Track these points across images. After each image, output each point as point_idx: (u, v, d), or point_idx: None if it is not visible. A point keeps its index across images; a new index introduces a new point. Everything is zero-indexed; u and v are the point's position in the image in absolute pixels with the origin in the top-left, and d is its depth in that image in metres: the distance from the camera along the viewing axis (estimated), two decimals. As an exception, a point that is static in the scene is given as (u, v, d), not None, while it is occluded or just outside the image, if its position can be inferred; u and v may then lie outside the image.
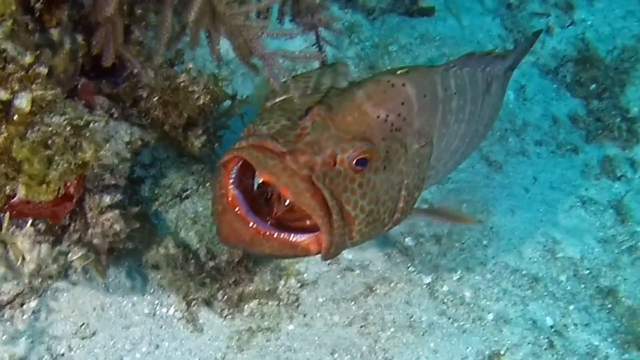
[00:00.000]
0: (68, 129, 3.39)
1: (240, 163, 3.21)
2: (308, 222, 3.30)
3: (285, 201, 3.34)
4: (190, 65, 4.30)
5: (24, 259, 3.82)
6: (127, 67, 4.09)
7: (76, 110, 3.54)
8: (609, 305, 5.01)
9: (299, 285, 4.54)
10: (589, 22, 6.91)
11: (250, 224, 3.10)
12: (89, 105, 4.10)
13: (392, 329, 4.47)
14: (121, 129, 4.29)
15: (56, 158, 3.39)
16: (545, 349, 4.61)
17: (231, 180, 3.20)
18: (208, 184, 4.45)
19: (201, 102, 4.23)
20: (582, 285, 5.08)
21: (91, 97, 4.14)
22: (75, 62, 3.91)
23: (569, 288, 5.04)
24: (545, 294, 4.92)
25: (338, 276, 4.64)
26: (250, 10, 3.19)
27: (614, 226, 5.55)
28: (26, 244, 3.82)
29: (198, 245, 4.31)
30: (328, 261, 4.58)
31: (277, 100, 3.59)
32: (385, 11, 6.10)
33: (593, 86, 6.40)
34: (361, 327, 4.45)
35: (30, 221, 3.81)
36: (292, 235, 3.12)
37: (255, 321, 4.35)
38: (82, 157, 3.45)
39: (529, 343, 4.62)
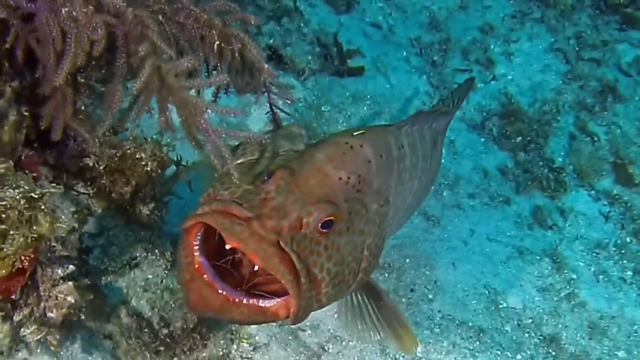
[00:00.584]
0: (22, 202, 3.43)
1: (202, 228, 3.27)
2: (275, 286, 3.45)
3: (253, 265, 3.49)
4: (135, 132, 4.43)
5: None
6: (70, 137, 4.20)
7: (29, 182, 3.62)
8: (553, 353, 5.28)
9: (251, 348, 4.63)
10: (509, 77, 7.34)
11: (220, 291, 3.16)
12: (34, 177, 4.18)
13: (346, 382, 4.64)
14: (66, 199, 4.38)
15: (11, 232, 3.44)
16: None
17: (196, 247, 3.27)
18: (156, 250, 4.54)
19: (148, 168, 4.34)
20: (526, 335, 5.35)
21: (35, 168, 4.21)
22: (20, 133, 4.01)
23: (514, 338, 5.28)
24: (492, 345, 5.16)
25: (290, 337, 4.76)
26: (199, 85, 3.35)
27: (551, 275, 5.86)
28: (-24, 321, 3.82)
29: (150, 314, 4.37)
30: (280, 323, 4.73)
31: (234, 163, 3.75)
32: (316, 72, 6.37)
33: (519, 139, 6.78)
34: (317, 391, 4.61)
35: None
36: (261, 301, 3.18)
37: (210, 391, 4.44)
38: (39, 230, 3.46)
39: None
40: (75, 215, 4.28)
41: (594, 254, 6.17)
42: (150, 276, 4.50)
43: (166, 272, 4.52)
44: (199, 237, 3.29)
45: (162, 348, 4.30)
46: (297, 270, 3.14)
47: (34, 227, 3.49)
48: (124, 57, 3.51)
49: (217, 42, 3.73)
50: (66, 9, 3.38)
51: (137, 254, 4.49)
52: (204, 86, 3.40)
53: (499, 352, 5.13)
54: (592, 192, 6.70)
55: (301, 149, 3.71)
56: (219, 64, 3.78)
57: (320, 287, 3.30)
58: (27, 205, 3.46)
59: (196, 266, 3.23)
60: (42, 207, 3.55)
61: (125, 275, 4.46)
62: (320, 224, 3.24)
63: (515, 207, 6.36)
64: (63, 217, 3.89)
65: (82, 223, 4.30)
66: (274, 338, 4.72)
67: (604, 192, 6.71)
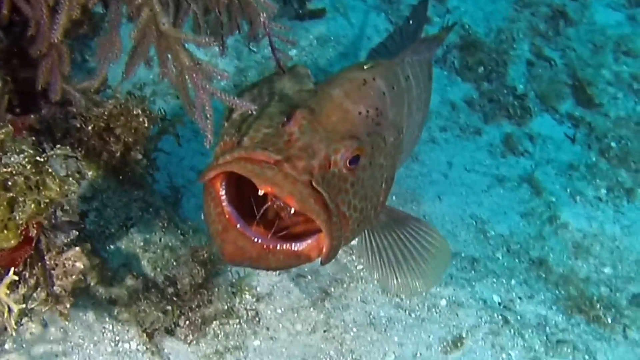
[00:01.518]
0: (29, 167, 3.37)
1: (226, 178, 3.26)
2: (299, 227, 3.47)
3: (274, 208, 3.49)
4: (119, 89, 4.35)
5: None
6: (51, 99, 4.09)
7: (31, 146, 3.54)
8: (544, 275, 5.48)
9: (254, 300, 4.64)
10: (462, 9, 7.46)
11: (255, 240, 3.16)
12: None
13: (355, 329, 4.68)
14: (55, 163, 4.28)
15: (20, 199, 3.37)
16: (502, 325, 4.96)
17: (224, 197, 3.25)
18: (151, 209, 4.50)
19: (138, 125, 4.28)
20: (516, 260, 5.52)
21: (20, 133, 4.11)
22: (2, 98, 3.90)
23: (505, 264, 5.44)
24: (487, 273, 5.30)
25: (292, 284, 4.80)
26: (196, 41, 3.29)
27: (532, 199, 6.05)
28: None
29: (153, 274, 4.34)
30: (280, 271, 4.77)
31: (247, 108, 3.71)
32: (275, 17, 6.30)
33: (480, 69, 6.90)
34: (325, 332, 4.63)
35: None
36: (294, 244, 3.20)
37: (220, 343, 4.41)
38: (48, 194, 3.42)
39: (485, 322, 4.95)
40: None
41: (568, 176, 6.36)
42: (148, 235, 4.47)
43: (163, 230, 4.50)
44: (223, 188, 3.27)
45: (169, 307, 4.28)
46: (330, 209, 3.16)
47: (44, 192, 3.43)
48: (117, 6, 3.45)
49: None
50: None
51: (133, 214, 4.45)
52: (203, 45, 3.33)
53: (494, 280, 5.28)
54: (556, 115, 6.89)
55: (312, 88, 3.71)
56: (217, 9, 3.73)
57: (347, 224, 3.33)
58: (33, 170, 3.41)
59: (227, 217, 3.21)
60: (50, 170, 3.50)
61: (123, 237, 4.42)
62: (348, 161, 3.26)
63: (486, 137, 6.49)
64: (71, 179, 3.79)
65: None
66: (275, 287, 4.75)
67: (567, 114, 6.90)
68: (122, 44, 3.44)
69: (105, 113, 4.22)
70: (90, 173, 4.35)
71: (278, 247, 3.19)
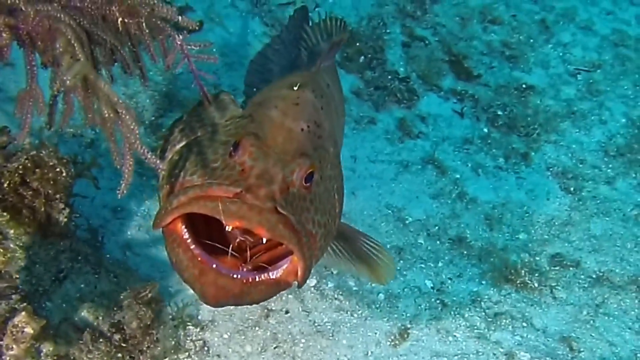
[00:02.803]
0: None
1: (182, 220, 3.25)
2: (265, 255, 3.51)
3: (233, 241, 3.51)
4: (28, 140, 4.27)
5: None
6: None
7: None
8: (465, 252, 5.75)
9: (199, 329, 4.67)
10: (331, 1, 7.64)
11: (235, 276, 3.18)
12: None
13: (304, 340, 4.77)
14: (-27, 229, 4.18)
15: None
16: (441, 309, 5.20)
17: (189, 240, 3.24)
18: (79, 257, 4.45)
19: (56, 176, 4.22)
20: (438, 242, 5.76)
21: None
22: None
23: (429, 248, 5.69)
24: (414, 260, 5.51)
25: (231, 308, 4.86)
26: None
27: (438, 179, 6.31)
28: None
29: (96, 323, 4.31)
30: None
31: (178, 147, 3.72)
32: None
33: (361, 58, 7.12)
34: (275, 348, 4.70)
35: None
36: (271, 273, 3.25)
37: (175, 380, 4.47)
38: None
39: (425, 309, 5.17)
40: (-7, 243, 4.11)
41: (465, 151, 6.68)
42: (82, 285, 4.42)
43: (96, 276, 4.46)
44: (184, 230, 3.27)
45: (120, 355, 4.26)
46: (298, 231, 3.23)
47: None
48: (32, 57, 3.41)
49: (120, 19, 3.62)
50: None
51: (63, 266, 4.39)
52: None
53: (422, 265, 5.51)
54: (441, 93, 7.18)
55: (242, 113, 3.74)
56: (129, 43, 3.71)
57: (316, 241, 3.41)
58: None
59: (199, 259, 3.21)
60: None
61: (57, 291, 4.35)
62: (304, 179, 3.33)
63: (381, 125, 6.69)
64: (12, 245, 3.72)
65: (0, 248, 4.15)
66: (216, 312, 4.79)
67: (450, 90, 7.21)
68: (43, 96, 3.40)
69: (20, 167, 4.15)
70: (11, 232, 4.26)
71: (257, 279, 3.23)
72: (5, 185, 4.14)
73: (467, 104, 7.12)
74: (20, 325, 3.78)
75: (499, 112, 7.06)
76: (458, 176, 6.38)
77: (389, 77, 7.01)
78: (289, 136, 3.44)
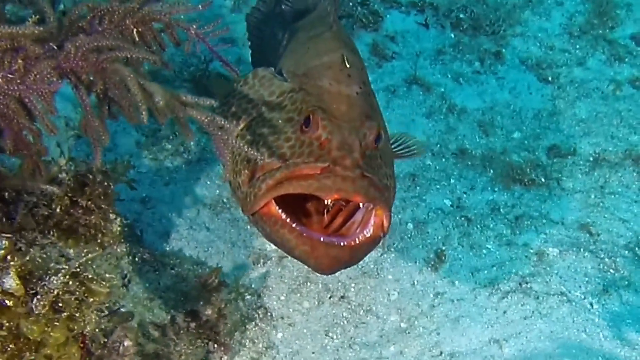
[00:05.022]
0: (71, 282, 3.69)
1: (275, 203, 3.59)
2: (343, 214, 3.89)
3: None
4: (64, 161, 4.61)
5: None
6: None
7: (61, 258, 3.87)
8: (470, 163, 6.33)
9: (256, 297, 5.20)
10: None
11: (342, 244, 3.58)
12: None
13: (353, 284, 5.31)
14: (36, 257, 4.56)
15: (76, 315, 3.72)
16: (467, 225, 5.83)
17: (289, 220, 3.58)
18: (136, 259, 4.88)
19: (105, 189, 4.59)
20: (443, 159, 6.32)
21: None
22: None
23: (437, 167, 6.25)
24: (428, 183, 6.10)
25: (279, 269, 5.37)
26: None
27: (426, 97, 6.76)
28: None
29: (169, 316, 4.78)
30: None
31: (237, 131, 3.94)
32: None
33: (317, -10, 7.49)
34: (330, 298, 5.26)
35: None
36: (366, 231, 3.64)
37: (250, 350, 4.92)
38: (99, 299, 3.80)
39: (454, 228, 5.81)
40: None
41: (441, 62, 7.19)
42: (147, 284, 4.87)
43: (157, 272, 4.91)
44: (280, 211, 3.61)
45: (199, 340, 4.75)
46: (382, 189, 3.64)
47: (95, 298, 3.78)
48: (82, 91, 3.73)
49: (135, 29, 3.94)
50: (1, 75, 3.50)
51: (125, 271, 4.81)
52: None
53: (437, 186, 6.08)
54: (402, 8, 7.60)
55: (290, 87, 4.00)
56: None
57: (390, 192, 3.84)
58: (77, 284, 3.72)
59: (306, 235, 3.56)
60: (89, 276, 3.82)
61: (126, 296, 4.79)
62: (374, 141, 3.69)
63: (356, 54, 7.14)
64: (107, 274, 4.12)
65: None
66: (267, 278, 5.30)
67: (409, 3, 7.64)
68: (104, 125, 3.75)
69: (68, 190, 4.51)
70: (71, 251, 4.65)
71: (357, 241, 3.63)
72: (58, 210, 4.51)
73: (429, 14, 7.57)
74: (119, 339, 4.25)
75: (461, 16, 7.53)
76: (443, 90, 6.90)
77: (350, 3, 7.38)
78: (349, 102, 3.75)
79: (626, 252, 5.80)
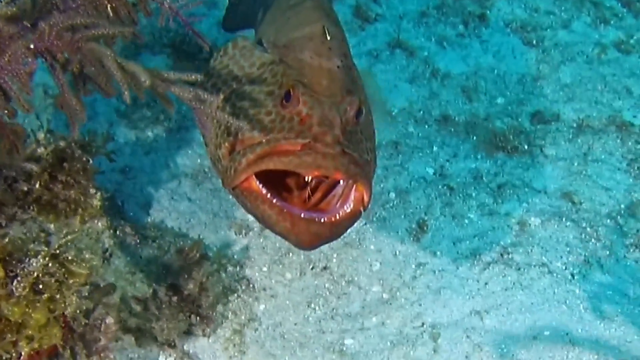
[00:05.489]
0: (51, 264, 3.71)
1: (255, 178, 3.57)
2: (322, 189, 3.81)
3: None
4: (42, 135, 4.58)
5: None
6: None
7: (39, 241, 3.88)
8: (453, 129, 6.35)
9: (238, 268, 5.23)
10: None
11: (323, 220, 3.57)
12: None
13: (335, 255, 5.32)
14: (16, 232, 4.56)
15: (57, 297, 3.74)
16: (450, 194, 5.85)
17: (270, 195, 3.57)
18: (119, 233, 4.89)
19: (84, 164, 4.58)
20: (426, 126, 6.33)
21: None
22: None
23: (420, 134, 6.26)
24: (411, 150, 6.09)
25: (261, 240, 5.39)
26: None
27: (409, 62, 6.75)
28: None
29: (151, 290, 4.80)
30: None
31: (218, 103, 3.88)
32: None
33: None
34: (312, 269, 5.28)
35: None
36: (346, 206, 3.62)
37: (233, 322, 4.96)
38: (79, 280, 3.82)
39: (435, 197, 5.81)
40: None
41: (425, 25, 7.16)
42: (128, 258, 4.88)
43: (138, 246, 4.93)
44: (261, 186, 3.60)
45: (181, 314, 4.79)
46: (362, 164, 3.62)
47: (75, 280, 3.81)
48: (58, 70, 3.68)
49: (109, 4, 3.90)
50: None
51: (107, 245, 4.82)
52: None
53: (420, 154, 6.10)
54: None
55: (271, 58, 3.96)
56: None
57: (371, 166, 3.84)
58: (57, 265, 3.74)
59: (286, 211, 3.55)
60: (69, 257, 3.83)
61: (108, 270, 4.80)
62: (354, 117, 3.67)
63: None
64: (87, 255, 4.13)
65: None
66: (249, 249, 5.33)
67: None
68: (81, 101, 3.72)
69: (47, 165, 4.51)
70: (51, 226, 4.65)
71: (338, 216, 3.62)
72: (37, 185, 4.50)
73: (413, -27, 7.53)
74: (100, 316, 4.27)
75: (446, -25, 7.50)
76: (426, 53, 6.88)
77: (331, -36, 7.32)
78: (330, 77, 3.72)
79: (608, 220, 5.85)
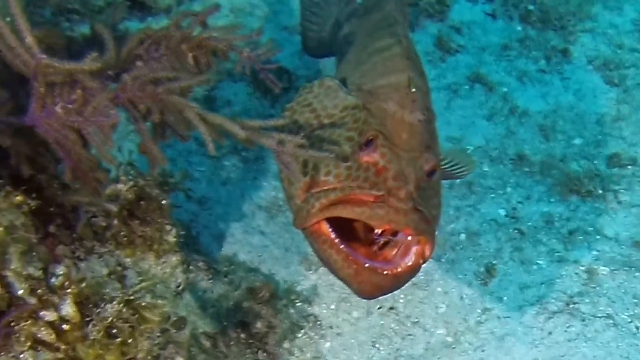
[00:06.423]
0: (124, 310, 3.92)
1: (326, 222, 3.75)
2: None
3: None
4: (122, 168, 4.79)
5: None
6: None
7: (113, 285, 4.10)
8: (528, 169, 6.41)
9: (307, 305, 5.40)
10: None
11: (385, 272, 3.77)
12: (56, 260, 4.54)
13: (402, 295, 5.50)
14: (94, 265, 4.78)
15: (129, 341, 3.94)
16: (520, 239, 5.94)
17: (338, 241, 3.75)
18: (195, 267, 5.09)
19: (159, 203, 4.78)
20: (501, 165, 6.42)
21: (53, 253, 4.56)
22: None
23: (494, 174, 6.34)
24: (484, 191, 6.19)
25: (330, 277, 5.48)
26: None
27: (488, 98, 6.86)
28: None
29: (220, 327, 4.99)
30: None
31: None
32: (181, 2, 6.74)
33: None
34: (379, 308, 5.44)
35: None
36: (407, 260, 3.82)
37: (298, 358, 5.16)
38: (151, 327, 4.03)
39: (506, 241, 5.92)
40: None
41: (506, 58, 7.20)
42: (200, 294, 5.08)
43: (210, 281, 5.12)
44: (331, 230, 3.78)
45: (248, 350, 4.97)
46: (430, 221, 3.82)
47: (147, 326, 4.02)
48: (140, 120, 3.84)
49: (191, 54, 4.06)
50: (60, 105, 3.63)
51: (179, 280, 5.01)
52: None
53: (492, 195, 6.19)
54: None
55: (355, 103, 4.07)
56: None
57: (436, 222, 4.01)
58: (131, 311, 3.95)
59: (351, 259, 3.74)
60: (143, 304, 4.04)
61: (178, 304, 5.00)
62: (428, 174, 3.87)
63: (419, 46, 7.09)
64: (158, 300, 4.33)
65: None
66: (318, 286, 5.48)
67: None
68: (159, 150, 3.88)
69: (126, 202, 4.71)
70: (128, 260, 4.87)
71: (400, 269, 3.82)
72: (115, 221, 4.71)
73: (497, 2, 7.56)
74: (170, 356, 4.47)
75: (530, 7, 7.52)
76: (505, 89, 6.94)
77: (415, -7, 7.42)
78: (411, 131, 3.88)
79: (678, 272, 5.85)
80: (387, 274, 3.79)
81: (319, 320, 5.36)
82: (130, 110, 3.75)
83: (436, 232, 4.09)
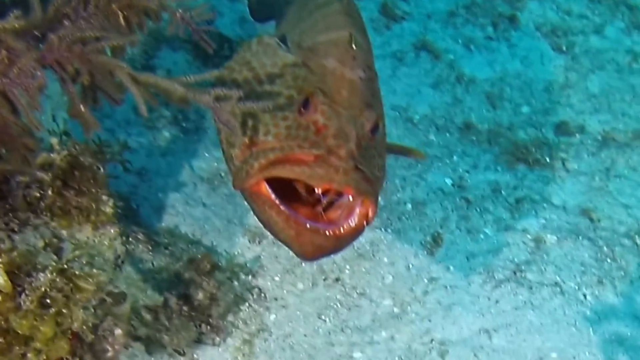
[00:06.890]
0: (58, 279, 3.82)
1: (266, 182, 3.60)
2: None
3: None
4: (56, 140, 4.67)
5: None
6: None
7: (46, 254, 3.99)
8: (475, 138, 6.40)
9: (251, 277, 5.33)
10: None
11: (328, 233, 3.62)
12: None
13: (348, 266, 5.45)
14: (29, 237, 4.66)
15: (64, 311, 3.85)
16: (467, 208, 5.93)
17: (278, 201, 3.61)
18: (131, 239, 4.99)
19: (94, 173, 4.66)
20: (447, 134, 6.40)
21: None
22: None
23: (441, 142, 6.33)
24: (430, 160, 6.15)
25: (274, 248, 5.48)
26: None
27: (434, 65, 6.83)
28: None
29: (163, 298, 4.90)
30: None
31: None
32: None
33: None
34: (324, 280, 5.39)
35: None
36: (350, 221, 3.65)
37: (243, 331, 5.08)
38: (86, 296, 3.93)
39: (452, 210, 5.90)
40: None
41: (453, 25, 7.17)
42: (140, 265, 4.99)
43: (150, 253, 5.03)
44: (271, 191, 3.62)
45: (191, 323, 4.89)
46: (372, 181, 3.67)
47: (81, 295, 3.92)
48: (68, 82, 3.73)
49: (122, 14, 3.93)
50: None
51: (119, 252, 4.91)
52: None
53: (439, 164, 6.17)
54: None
55: (294, 60, 3.94)
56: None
57: (380, 183, 3.90)
58: (65, 281, 3.85)
59: (293, 220, 3.61)
60: (77, 272, 3.95)
61: (117, 277, 4.90)
62: (370, 132, 3.73)
63: (364, 13, 7.11)
64: (94, 269, 4.22)
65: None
66: (262, 257, 5.41)
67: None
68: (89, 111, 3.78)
69: (60, 172, 4.59)
70: (64, 232, 4.75)
71: (343, 230, 3.66)
72: (49, 192, 4.59)
73: (443, -30, 7.53)
74: (108, 328, 4.38)
75: (478, -26, 7.49)
76: (452, 57, 6.91)
77: (362, -40, 7.34)
78: (351, 88, 3.74)
79: (625, 240, 5.90)
80: (329, 235, 3.65)
81: (264, 293, 5.29)
82: (58, 71, 3.63)
83: (380, 192, 4.00)
